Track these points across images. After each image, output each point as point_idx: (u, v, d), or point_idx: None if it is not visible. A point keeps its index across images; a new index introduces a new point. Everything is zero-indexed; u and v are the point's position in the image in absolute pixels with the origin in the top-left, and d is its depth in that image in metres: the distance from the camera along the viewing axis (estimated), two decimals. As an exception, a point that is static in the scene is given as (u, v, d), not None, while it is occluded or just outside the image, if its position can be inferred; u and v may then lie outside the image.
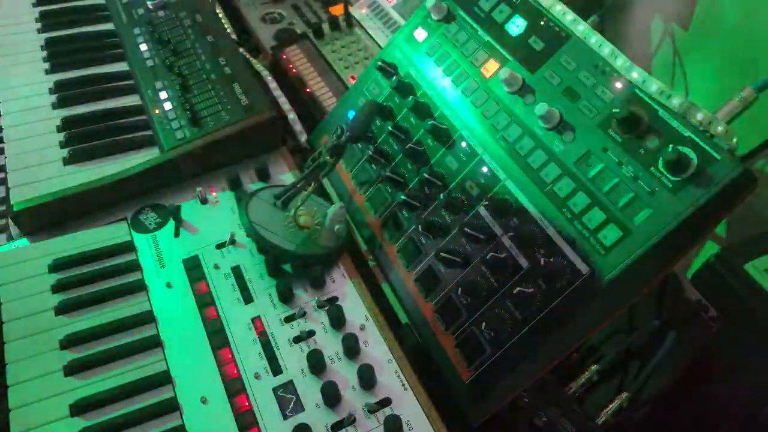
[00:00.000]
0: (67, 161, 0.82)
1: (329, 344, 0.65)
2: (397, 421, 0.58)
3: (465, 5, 0.75)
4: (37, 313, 0.69)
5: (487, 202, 0.65)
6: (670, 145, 0.53)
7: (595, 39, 0.64)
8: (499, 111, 0.67)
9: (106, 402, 0.62)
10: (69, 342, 0.66)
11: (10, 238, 0.79)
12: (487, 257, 0.61)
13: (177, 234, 0.77)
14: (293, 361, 0.64)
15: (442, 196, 0.68)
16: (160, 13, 1.02)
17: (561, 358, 0.58)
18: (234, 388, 0.63)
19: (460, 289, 0.63)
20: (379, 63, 0.79)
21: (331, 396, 0.60)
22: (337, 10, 1.11)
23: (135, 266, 0.74)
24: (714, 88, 0.89)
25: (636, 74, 0.60)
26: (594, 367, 0.72)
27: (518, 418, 0.65)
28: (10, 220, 0.78)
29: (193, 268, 0.73)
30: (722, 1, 0.88)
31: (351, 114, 0.81)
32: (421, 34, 0.78)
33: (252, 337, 0.67)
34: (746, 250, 0.64)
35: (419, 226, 0.68)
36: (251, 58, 1.03)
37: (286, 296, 0.69)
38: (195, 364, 0.65)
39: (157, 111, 0.88)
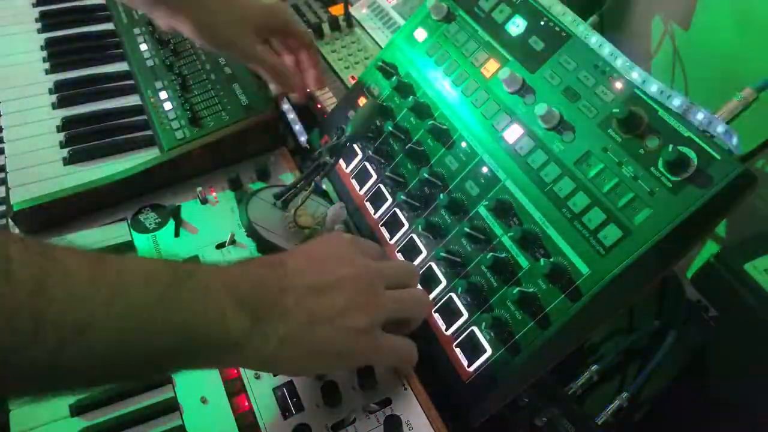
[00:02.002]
0: (67, 161, 0.82)
1: (329, 344, 0.65)
2: (397, 421, 0.58)
3: (465, 5, 0.75)
4: (37, 313, 0.69)
5: (487, 202, 0.64)
6: (670, 145, 0.53)
7: (595, 39, 0.64)
8: (499, 111, 0.67)
9: (106, 402, 0.62)
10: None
11: (10, 238, 0.79)
12: (488, 257, 0.61)
13: (177, 234, 0.77)
14: (293, 361, 0.64)
15: (442, 196, 0.68)
16: (160, 13, 1.02)
17: (561, 358, 0.58)
18: (234, 388, 0.63)
19: (460, 289, 0.63)
20: (379, 63, 0.79)
21: (331, 396, 0.60)
22: (337, 10, 1.10)
23: (135, 266, 0.74)
24: (714, 88, 0.89)
25: (636, 74, 0.60)
26: (594, 367, 0.72)
27: (518, 418, 0.64)
28: (10, 220, 0.78)
29: (193, 268, 0.73)
30: (722, 1, 0.88)
31: (351, 114, 0.81)
32: (421, 34, 0.78)
33: (252, 337, 0.66)
34: (746, 250, 0.65)
35: (419, 226, 0.68)
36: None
37: (286, 296, 0.69)
38: (195, 364, 0.65)
39: (153, 102, 0.88)
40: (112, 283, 0.40)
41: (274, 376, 0.62)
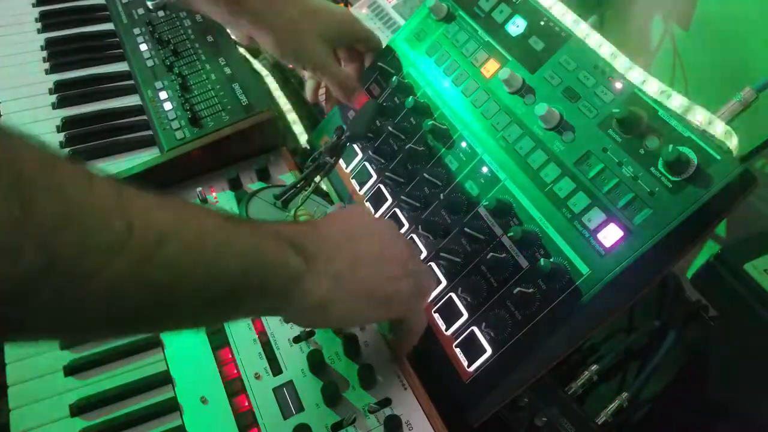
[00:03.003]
0: (67, 161, 0.82)
1: (329, 344, 0.65)
2: (397, 421, 0.58)
3: (465, 5, 0.75)
4: (37, 313, 0.69)
5: (487, 202, 0.64)
6: (670, 146, 0.53)
7: (595, 39, 0.64)
8: (499, 111, 0.67)
9: (106, 402, 0.62)
10: (68, 342, 0.66)
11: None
12: (487, 257, 0.61)
13: (177, 234, 0.77)
14: (293, 361, 0.64)
15: (442, 196, 0.68)
16: (160, 13, 1.02)
17: (561, 358, 0.58)
18: (234, 388, 0.63)
19: (460, 289, 0.63)
20: (379, 63, 0.79)
21: (331, 396, 0.60)
22: (338, 10, 1.10)
23: (135, 266, 0.74)
24: (714, 88, 0.89)
25: (636, 74, 0.60)
26: (594, 367, 0.72)
27: (518, 418, 0.64)
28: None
29: (193, 268, 0.73)
30: (723, 0, 0.88)
31: (351, 114, 0.81)
32: (421, 34, 0.78)
33: (252, 337, 0.67)
34: (746, 250, 0.64)
35: (419, 226, 0.68)
36: (251, 58, 1.03)
37: (286, 296, 0.69)
38: (195, 364, 0.65)
39: (153, 102, 0.88)
40: (177, 207, 0.42)
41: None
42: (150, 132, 0.86)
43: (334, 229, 0.55)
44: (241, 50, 0.98)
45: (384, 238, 0.58)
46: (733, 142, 0.55)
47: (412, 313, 0.59)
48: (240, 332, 0.67)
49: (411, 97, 0.74)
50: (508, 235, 0.61)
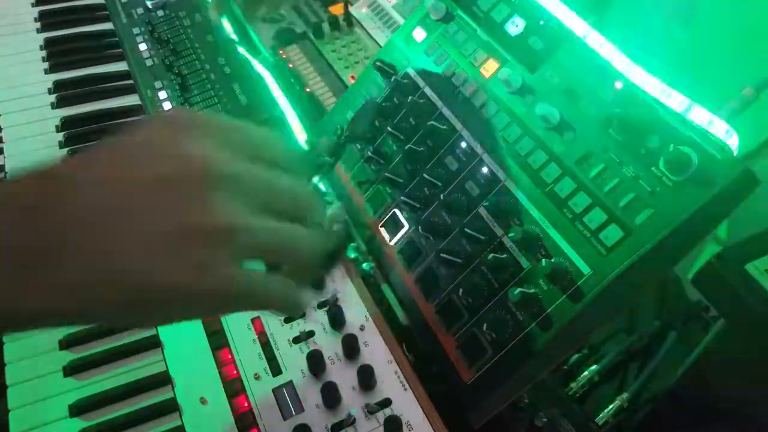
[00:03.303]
0: (66, 161, 0.82)
1: (329, 345, 0.65)
2: (397, 422, 0.57)
3: (464, 5, 0.74)
4: (36, 313, 0.69)
5: (487, 203, 0.64)
6: (671, 145, 0.53)
7: (595, 38, 0.64)
8: (498, 111, 0.67)
9: (105, 402, 0.62)
10: (68, 342, 0.66)
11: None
12: (488, 258, 0.61)
13: (176, 234, 0.77)
14: (293, 361, 0.64)
15: (442, 196, 0.67)
16: (160, 12, 1.02)
17: (562, 358, 0.58)
18: (233, 388, 0.62)
19: (461, 290, 0.63)
20: (377, 63, 0.79)
21: (331, 396, 0.60)
22: (337, 9, 1.10)
23: (134, 266, 0.74)
24: (714, 87, 0.89)
25: (636, 74, 0.60)
26: (594, 367, 0.72)
27: (518, 419, 0.64)
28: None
29: (193, 268, 0.73)
30: (723, 1, 0.88)
31: (350, 114, 0.81)
32: (419, 34, 0.78)
33: (251, 337, 0.66)
34: (747, 250, 0.64)
35: (419, 227, 0.68)
36: (251, 58, 1.03)
37: (285, 296, 0.69)
38: (194, 365, 0.65)
39: (153, 102, 0.87)
40: None
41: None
42: (149, 132, 0.86)
43: (89, 192, 0.35)
44: (241, 50, 0.98)
45: (187, 190, 0.35)
46: (734, 142, 0.55)
47: (239, 302, 0.39)
48: (240, 332, 0.67)
49: (410, 97, 0.74)
50: (509, 235, 0.61)
